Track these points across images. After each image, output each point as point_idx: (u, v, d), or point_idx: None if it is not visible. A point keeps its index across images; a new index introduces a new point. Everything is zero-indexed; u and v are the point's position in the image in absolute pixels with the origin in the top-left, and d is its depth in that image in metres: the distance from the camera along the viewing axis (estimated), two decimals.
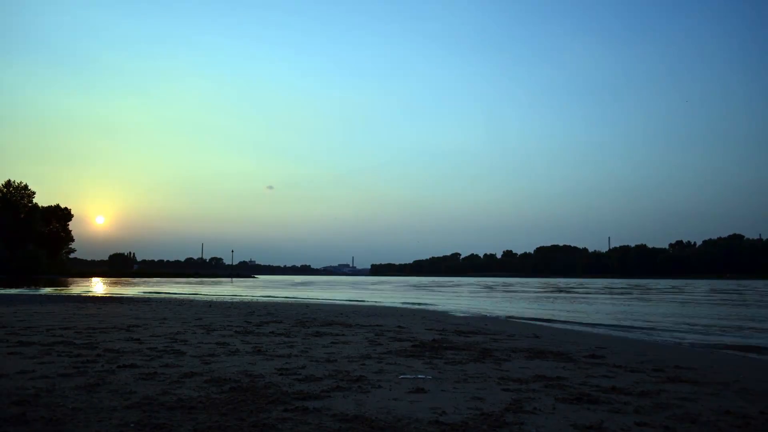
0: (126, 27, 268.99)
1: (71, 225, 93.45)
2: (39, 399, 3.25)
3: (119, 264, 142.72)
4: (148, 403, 3.19)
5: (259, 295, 25.28)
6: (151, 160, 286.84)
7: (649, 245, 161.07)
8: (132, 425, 2.73)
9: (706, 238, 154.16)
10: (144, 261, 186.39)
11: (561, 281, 76.60)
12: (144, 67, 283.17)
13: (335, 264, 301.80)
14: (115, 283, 45.30)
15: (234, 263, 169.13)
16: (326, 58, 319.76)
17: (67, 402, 3.19)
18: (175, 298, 19.35)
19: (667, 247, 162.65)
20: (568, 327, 10.51)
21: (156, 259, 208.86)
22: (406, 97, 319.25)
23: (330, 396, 3.49)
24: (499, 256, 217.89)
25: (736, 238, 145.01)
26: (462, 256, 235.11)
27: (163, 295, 22.39)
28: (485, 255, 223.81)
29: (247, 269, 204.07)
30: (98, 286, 36.26)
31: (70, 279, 62.51)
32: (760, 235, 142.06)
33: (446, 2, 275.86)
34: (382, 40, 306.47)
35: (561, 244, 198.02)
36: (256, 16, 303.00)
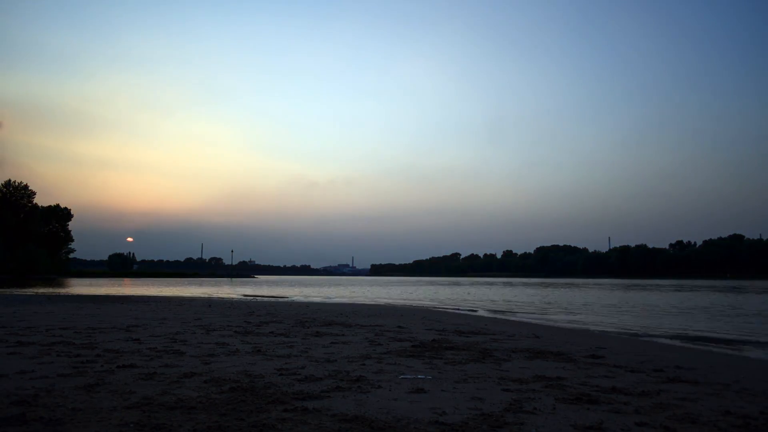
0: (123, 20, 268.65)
1: (71, 225, 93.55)
2: (38, 399, 3.25)
3: (118, 264, 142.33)
4: (147, 403, 3.19)
5: (258, 295, 25.28)
6: (151, 159, 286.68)
7: (649, 245, 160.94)
8: (132, 425, 2.73)
9: (706, 238, 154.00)
10: (143, 261, 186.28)
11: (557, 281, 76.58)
12: (141, 61, 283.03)
13: (335, 264, 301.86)
14: (115, 284, 45.27)
15: (233, 263, 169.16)
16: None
17: (67, 402, 3.19)
18: (175, 298, 19.34)
19: (667, 247, 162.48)
20: (568, 327, 10.51)
21: (155, 259, 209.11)
22: (406, 100, 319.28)
23: (330, 396, 3.48)
24: (499, 256, 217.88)
25: (736, 238, 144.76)
26: (462, 256, 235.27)
27: (162, 295, 22.38)
28: (485, 255, 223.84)
29: (246, 269, 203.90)
30: (97, 287, 36.24)
31: (70, 279, 62.49)
32: (760, 235, 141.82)
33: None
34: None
35: (561, 244, 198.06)
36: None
